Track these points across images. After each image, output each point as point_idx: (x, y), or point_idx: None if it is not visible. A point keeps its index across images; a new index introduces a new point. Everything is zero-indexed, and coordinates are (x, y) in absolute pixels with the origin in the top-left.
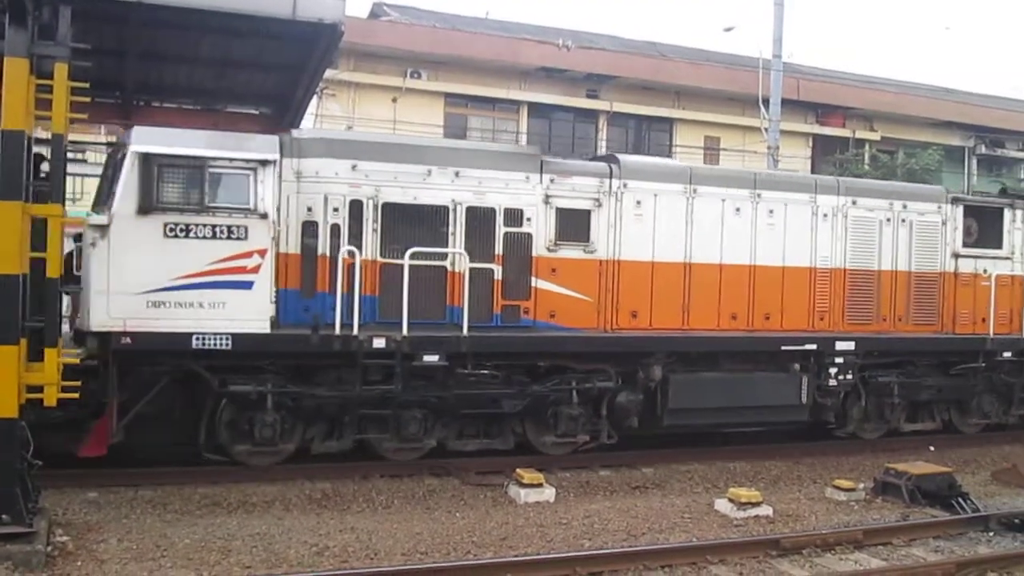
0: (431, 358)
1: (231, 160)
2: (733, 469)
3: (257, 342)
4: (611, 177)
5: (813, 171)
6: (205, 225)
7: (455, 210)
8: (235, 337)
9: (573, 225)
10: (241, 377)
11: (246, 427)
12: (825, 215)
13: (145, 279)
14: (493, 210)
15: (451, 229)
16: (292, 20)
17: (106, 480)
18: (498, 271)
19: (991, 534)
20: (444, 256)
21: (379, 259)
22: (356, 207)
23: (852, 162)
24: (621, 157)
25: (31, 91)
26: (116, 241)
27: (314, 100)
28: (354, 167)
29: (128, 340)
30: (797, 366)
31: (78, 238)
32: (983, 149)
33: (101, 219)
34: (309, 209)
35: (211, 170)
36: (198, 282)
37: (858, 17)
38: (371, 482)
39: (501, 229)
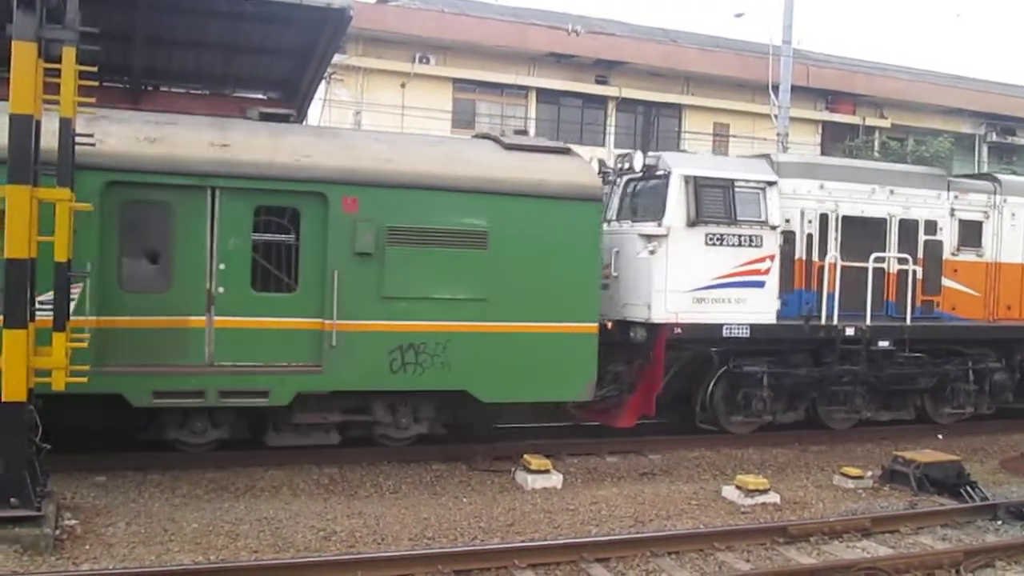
0: (884, 343)
1: (748, 181)
2: (740, 456)
3: (766, 331)
4: (995, 194)
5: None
6: (733, 235)
7: (890, 221)
8: (752, 327)
9: (969, 233)
10: (747, 360)
11: (740, 401)
12: None
13: (691, 279)
14: (916, 221)
15: (887, 237)
16: (300, 4)
17: (114, 464)
18: (919, 272)
19: (999, 523)
20: (883, 259)
21: (840, 262)
22: (823, 219)
23: (862, 149)
24: (1001, 177)
25: (39, 75)
26: (672, 248)
27: (322, 85)
28: (821, 186)
29: (679, 330)
30: None
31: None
32: (994, 137)
33: (659, 230)
34: (787, 220)
35: (736, 189)
36: (727, 282)
37: (868, 4)
38: (379, 467)
39: (921, 237)
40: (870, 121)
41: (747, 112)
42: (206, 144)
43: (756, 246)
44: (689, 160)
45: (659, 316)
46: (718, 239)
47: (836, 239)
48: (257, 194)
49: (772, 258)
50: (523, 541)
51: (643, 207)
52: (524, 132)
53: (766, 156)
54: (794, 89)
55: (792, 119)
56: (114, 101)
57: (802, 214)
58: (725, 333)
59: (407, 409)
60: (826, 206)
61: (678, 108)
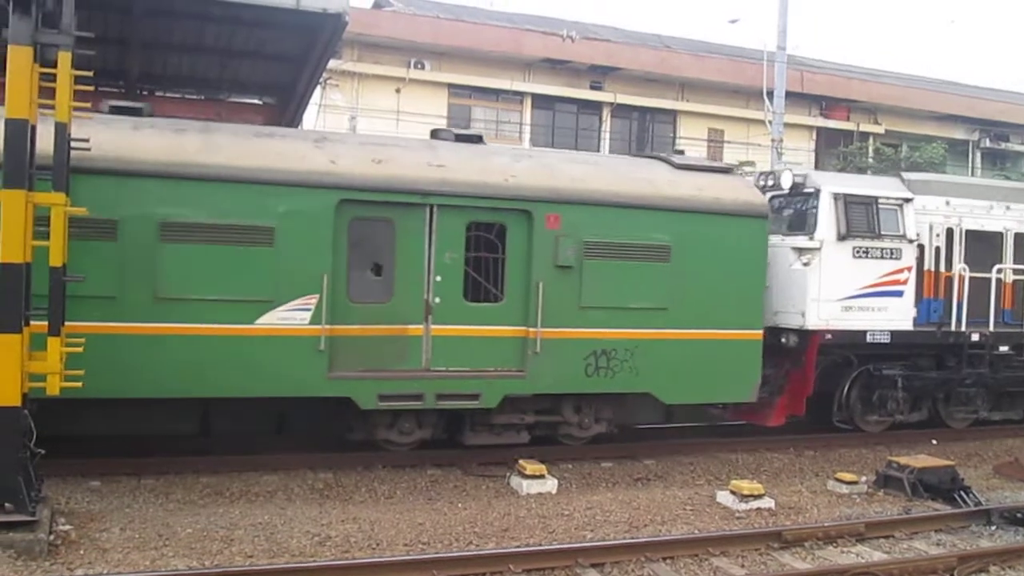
0: (1004, 348)
1: (889, 198)
2: (735, 461)
3: (903, 336)
4: None
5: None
6: (876, 248)
7: (1005, 235)
8: (892, 333)
9: None
10: (884, 363)
11: (876, 401)
12: None
13: (840, 289)
14: None
15: (1003, 249)
16: (296, 9)
17: (109, 469)
18: None
19: (993, 528)
20: (1001, 270)
21: (964, 273)
22: (949, 233)
23: (856, 155)
24: None
25: (35, 80)
26: (824, 261)
27: (317, 90)
28: (947, 203)
29: (829, 336)
30: None
31: None
32: (987, 143)
33: (812, 243)
34: (917, 235)
35: (879, 206)
36: (870, 291)
37: (862, 10)
38: (373, 472)
39: None
40: (864, 127)
41: (741, 118)
42: (424, 164)
43: (896, 258)
44: (836, 179)
45: (813, 323)
46: (864, 252)
47: (960, 251)
48: (470, 211)
49: (909, 269)
50: (518, 546)
51: (790, 222)
52: (682, 152)
53: (897, 175)
54: (788, 95)
55: (786, 125)
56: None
57: (931, 228)
58: (868, 339)
59: (591, 410)
60: (951, 221)
61: (673, 114)
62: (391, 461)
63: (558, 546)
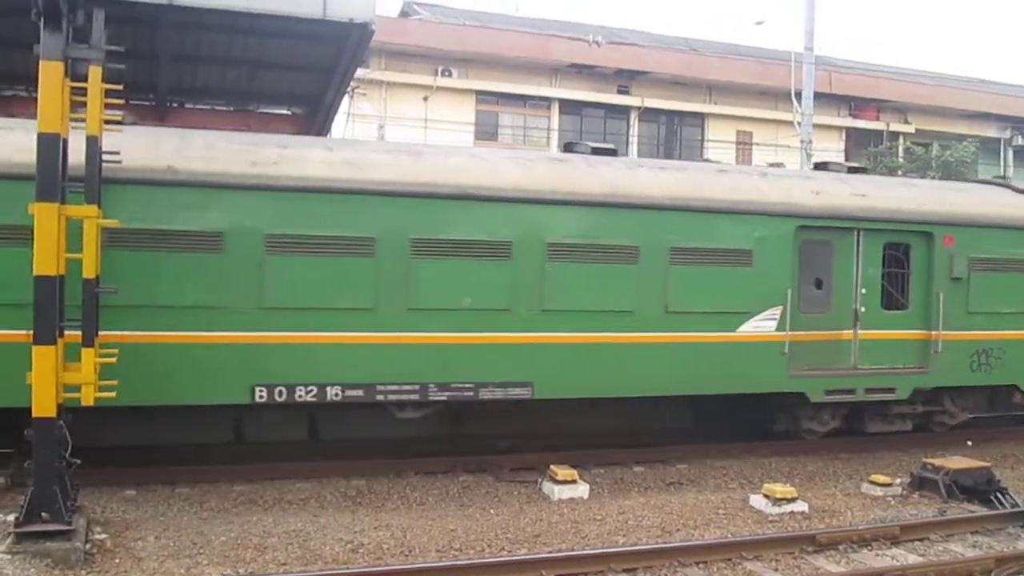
0: None
1: None
2: (768, 465)
3: None
4: None
5: None
6: None
7: None
8: None
9: None
10: None
11: None
12: None
13: None
14: None
15: None
16: (323, 20)
17: (143, 478)
18: None
19: None
20: None
21: None
22: None
23: (886, 155)
24: None
25: (66, 94)
26: None
27: (345, 99)
28: None
29: None
30: None
31: None
32: (1019, 140)
33: None
34: None
35: None
36: None
37: (890, 9)
38: (405, 479)
39: None
40: (894, 127)
41: (770, 120)
42: (849, 195)
43: None
44: None
45: None
46: None
47: None
48: (886, 233)
49: None
50: (550, 552)
51: None
52: (1004, 177)
53: None
54: (817, 96)
55: (815, 126)
56: (140, 119)
57: None
58: None
59: (961, 400)
60: None
61: (701, 117)
62: (424, 468)
63: (590, 551)
